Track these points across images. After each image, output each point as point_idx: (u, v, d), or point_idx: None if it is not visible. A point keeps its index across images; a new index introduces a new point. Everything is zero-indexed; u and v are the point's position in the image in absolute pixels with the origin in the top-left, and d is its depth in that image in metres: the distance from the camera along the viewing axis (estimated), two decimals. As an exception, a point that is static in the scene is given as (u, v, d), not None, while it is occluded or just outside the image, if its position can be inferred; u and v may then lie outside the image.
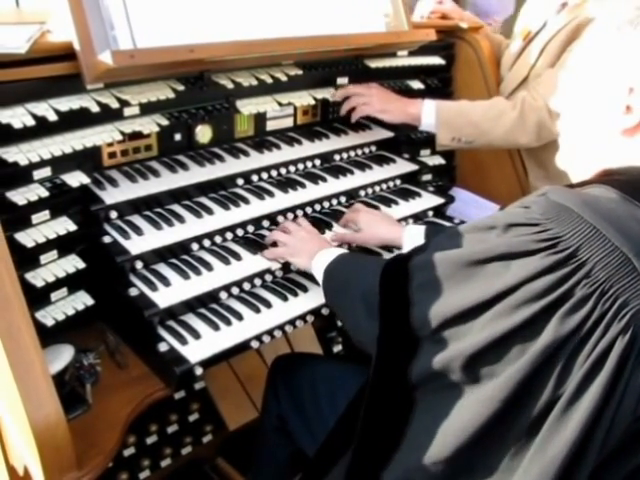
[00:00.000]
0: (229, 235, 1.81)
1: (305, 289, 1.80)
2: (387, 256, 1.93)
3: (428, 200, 2.25)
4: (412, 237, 1.80)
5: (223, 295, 1.71)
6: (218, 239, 1.80)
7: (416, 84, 2.42)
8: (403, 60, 2.34)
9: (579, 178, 1.24)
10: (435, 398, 1.14)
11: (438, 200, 2.26)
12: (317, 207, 2.04)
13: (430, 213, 2.25)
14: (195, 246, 1.76)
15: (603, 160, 1.19)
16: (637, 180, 1.11)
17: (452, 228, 1.22)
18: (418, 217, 2.20)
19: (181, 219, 1.75)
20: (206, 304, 1.71)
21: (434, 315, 1.11)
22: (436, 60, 2.45)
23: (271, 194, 1.94)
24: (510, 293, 1.01)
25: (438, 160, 2.59)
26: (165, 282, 1.63)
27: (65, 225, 1.58)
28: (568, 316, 0.97)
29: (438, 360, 1.10)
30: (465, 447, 1.05)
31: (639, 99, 1.11)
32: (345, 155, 2.25)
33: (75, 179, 1.59)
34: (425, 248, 1.23)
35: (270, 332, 1.66)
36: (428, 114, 2.24)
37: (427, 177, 2.57)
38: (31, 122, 1.47)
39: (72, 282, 1.63)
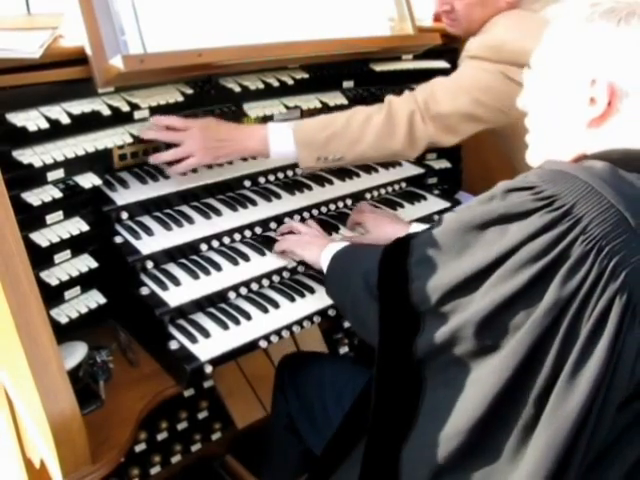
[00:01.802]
0: (237, 236, 1.84)
1: (312, 290, 1.82)
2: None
3: (433, 203, 2.27)
4: None
5: (232, 295, 1.74)
6: (226, 240, 1.82)
7: (421, 87, 2.44)
8: (408, 64, 2.35)
9: None
10: (445, 374, 1.16)
11: (444, 204, 2.27)
12: (323, 209, 2.06)
13: (435, 217, 2.24)
14: (204, 247, 1.78)
15: (574, 150, 1.21)
16: (624, 156, 1.13)
17: (456, 209, 1.25)
18: (423, 221, 2.18)
19: (190, 220, 1.78)
20: (215, 304, 1.73)
21: (435, 288, 1.14)
22: (441, 64, 2.43)
23: (278, 196, 1.96)
24: (510, 256, 1.04)
25: (444, 164, 2.60)
26: (175, 282, 1.65)
27: (78, 225, 1.60)
28: (569, 276, 0.99)
29: (444, 332, 1.12)
30: (479, 420, 1.07)
31: (602, 90, 1.14)
32: (351, 157, 2.27)
33: (87, 180, 1.62)
34: (432, 227, 1.26)
35: (278, 332, 1.68)
36: (280, 141, 1.85)
37: (433, 180, 2.58)
38: (45, 125, 1.50)
39: (85, 281, 1.66)
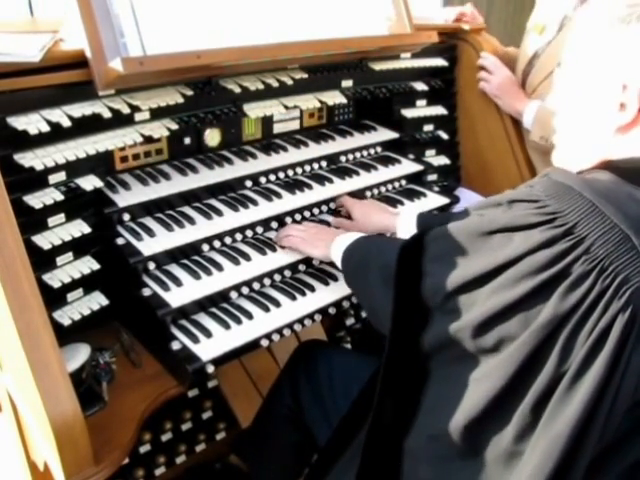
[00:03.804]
0: (238, 236, 1.85)
1: (313, 289, 1.83)
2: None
3: (433, 200, 2.27)
4: (405, 224, 1.84)
5: (233, 295, 1.74)
6: (228, 240, 1.83)
7: (420, 85, 2.45)
8: (406, 62, 2.36)
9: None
10: (449, 370, 1.18)
11: (443, 200, 2.27)
12: (324, 208, 2.07)
13: (435, 213, 2.26)
14: (205, 247, 1.79)
15: (599, 156, 1.20)
16: (637, 168, 1.12)
17: (465, 207, 1.26)
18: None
19: (191, 221, 1.78)
20: (217, 303, 1.74)
21: (444, 285, 1.15)
22: (439, 62, 2.47)
23: (279, 195, 1.97)
24: (512, 265, 1.05)
25: (443, 160, 2.63)
26: (177, 282, 1.66)
27: (80, 228, 1.61)
28: (568, 292, 0.99)
29: (448, 329, 1.14)
30: (475, 420, 1.09)
31: (633, 96, 1.12)
32: (351, 156, 2.28)
33: (89, 183, 1.63)
34: (442, 223, 1.27)
35: (279, 331, 1.68)
36: (529, 113, 2.38)
37: (432, 177, 2.60)
38: (46, 128, 1.50)
39: (87, 283, 1.67)
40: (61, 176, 1.60)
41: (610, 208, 1.01)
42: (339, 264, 1.66)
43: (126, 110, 1.67)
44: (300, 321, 1.73)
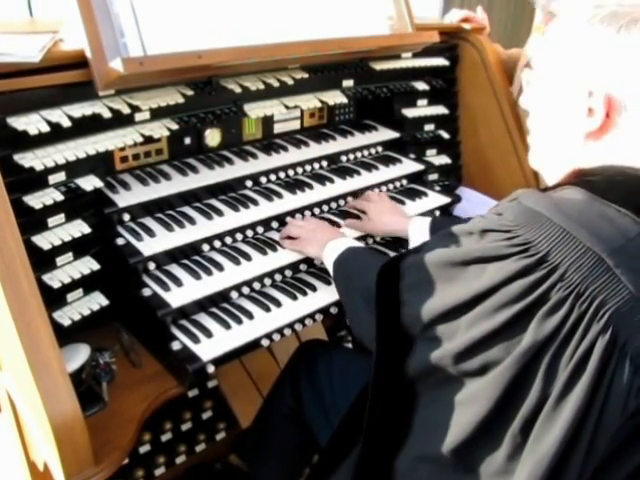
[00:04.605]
0: (239, 236, 1.85)
1: (314, 288, 1.83)
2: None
3: (434, 199, 2.27)
4: (418, 229, 1.84)
5: (234, 294, 1.74)
6: (228, 240, 1.83)
7: (421, 85, 2.45)
8: (407, 62, 2.35)
9: (551, 178, 1.24)
10: (435, 392, 1.17)
11: (444, 199, 2.27)
12: (325, 208, 2.07)
13: (437, 212, 2.25)
14: (206, 247, 1.79)
15: (572, 162, 1.18)
16: (609, 180, 1.09)
17: (443, 230, 1.24)
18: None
19: (192, 221, 1.78)
20: (217, 303, 1.74)
21: (421, 314, 1.15)
22: (440, 61, 2.47)
23: (279, 195, 1.97)
24: (489, 295, 1.04)
25: (444, 160, 2.62)
26: (177, 282, 1.66)
27: (80, 228, 1.61)
28: (546, 318, 0.98)
29: (430, 357, 1.13)
30: (464, 442, 1.08)
31: (599, 101, 1.09)
32: (352, 156, 2.28)
33: (89, 183, 1.63)
34: (419, 249, 1.26)
35: (280, 330, 1.68)
36: None
37: (433, 177, 2.60)
38: (46, 128, 1.50)
39: (87, 283, 1.67)
40: (61, 176, 1.60)
41: (582, 232, 0.99)
42: (330, 272, 1.67)
43: (126, 110, 1.67)
44: (301, 321, 1.73)
